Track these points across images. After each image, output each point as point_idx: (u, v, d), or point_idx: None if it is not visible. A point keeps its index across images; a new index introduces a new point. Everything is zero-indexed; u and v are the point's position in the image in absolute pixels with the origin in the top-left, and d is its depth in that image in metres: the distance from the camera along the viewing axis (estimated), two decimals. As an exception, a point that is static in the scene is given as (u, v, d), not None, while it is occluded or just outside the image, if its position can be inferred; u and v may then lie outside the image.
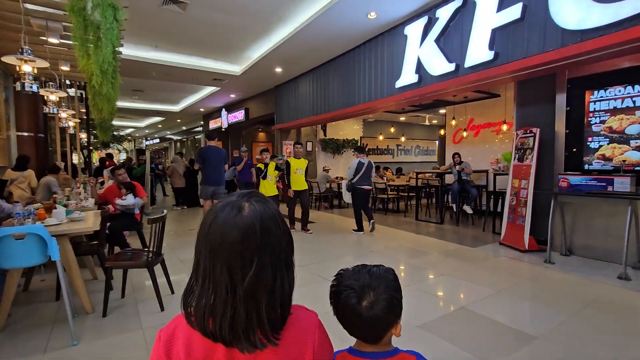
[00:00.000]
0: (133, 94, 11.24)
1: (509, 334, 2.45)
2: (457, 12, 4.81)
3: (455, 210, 6.70)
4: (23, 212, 2.72)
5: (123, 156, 21.40)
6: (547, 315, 2.72)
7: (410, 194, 8.49)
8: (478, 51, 4.56)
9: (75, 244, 3.13)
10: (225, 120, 12.70)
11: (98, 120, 6.43)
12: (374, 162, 6.25)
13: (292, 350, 0.67)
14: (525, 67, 4.12)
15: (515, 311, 2.91)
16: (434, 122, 13.76)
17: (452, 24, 4.91)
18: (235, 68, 8.50)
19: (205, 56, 7.75)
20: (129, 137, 24.33)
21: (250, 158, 7.90)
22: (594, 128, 4.10)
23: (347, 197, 6.18)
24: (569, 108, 4.32)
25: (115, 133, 17.34)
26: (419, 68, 5.44)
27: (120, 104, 11.14)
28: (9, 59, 3.12)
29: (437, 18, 5.05)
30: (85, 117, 7.46)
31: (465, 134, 8.53)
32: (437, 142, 14.62)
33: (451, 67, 4.90)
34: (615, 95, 3.93)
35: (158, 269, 2.98)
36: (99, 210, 3.58)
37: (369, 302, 0.80)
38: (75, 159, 7.93)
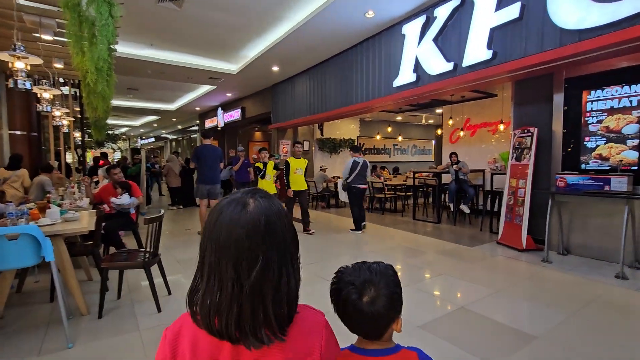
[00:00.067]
0: (128, 92, 11.13)
1: (509, 334, 2.45)
2: (455, 11, 4.81)
3: (452, 209, 6.71)
4: (16, 212, 2.67)
5: (117, 155, 21.21)
6: (547, 315, 2.72)
7: (408, 193, 8.51)
8: (476, 50, 4.57)
9: (69, 245, 3.08)
10: (221, 119, 12.61)
11: (92, 119, 6.33)
12: (371, 162, 6.25)
13: (299, 348, 0.66)
14: (523, 66, 4.13)
15: (515, 311, 2.91)
16: (431, 121, 13.80)
17: (450, 23, 4.91)
18: (231, 67, 8.45)
19: (201, 54, 7.68)
20: (124, 136, 24.14)
21: (247, 158, 7.84)
22: (591, 128, 4.12)
23: (343, 197, 6.18)
24: (566, 108, 4.33)
25: (109, 132, 17.20)
26: (417, 67, 5.43)
27: (115, 102, 11.05)
28: (1, 56, 3.04)
29: (435, 17, 5.05)
30: (79, 116, 7.36)
31: (462, 133, 8.55)
32: (433, 141, 14.67)
33: (449, 66, 4.90)
34: (612, 95, 3.94)
35: (155, 269, 2.93)
36: (94, 210, 3.53)
37: (369, 297, 0.80)
38: (69, 158, 7.84)
